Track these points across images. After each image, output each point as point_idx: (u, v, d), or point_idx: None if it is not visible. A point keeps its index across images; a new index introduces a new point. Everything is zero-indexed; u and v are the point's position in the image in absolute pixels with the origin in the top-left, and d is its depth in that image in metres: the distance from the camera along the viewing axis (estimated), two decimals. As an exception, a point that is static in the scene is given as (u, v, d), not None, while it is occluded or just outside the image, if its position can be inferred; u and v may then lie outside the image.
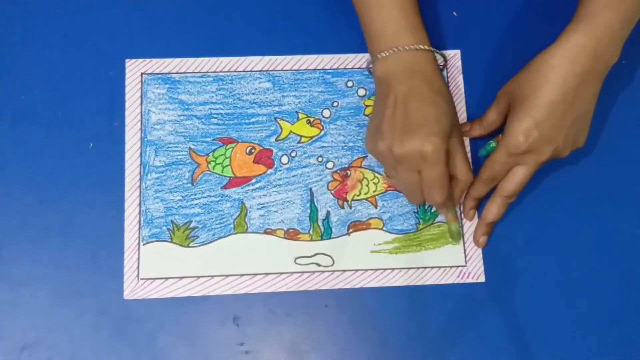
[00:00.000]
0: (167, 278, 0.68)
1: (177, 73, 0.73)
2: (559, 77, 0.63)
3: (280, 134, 0.72)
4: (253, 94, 0.73)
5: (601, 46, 0.63)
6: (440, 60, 0.72)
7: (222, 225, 0.70)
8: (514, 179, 0.66)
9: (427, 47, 0.66)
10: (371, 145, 0.67)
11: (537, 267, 0.70)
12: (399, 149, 0.63)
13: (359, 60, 0.74)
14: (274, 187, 0.71)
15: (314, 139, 0.72)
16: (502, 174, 0.67)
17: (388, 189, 0.72)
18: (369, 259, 0.69)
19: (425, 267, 0.69)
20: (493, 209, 0.68)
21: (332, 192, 0.71)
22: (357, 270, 0.69)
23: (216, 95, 0.73)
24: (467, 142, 0.73)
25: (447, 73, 0.74)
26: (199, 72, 0.73)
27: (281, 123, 0.73)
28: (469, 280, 0.69)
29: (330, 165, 0.72)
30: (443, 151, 0.62)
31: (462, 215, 0.71)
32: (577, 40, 0.63)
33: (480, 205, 0.71)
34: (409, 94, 0.64)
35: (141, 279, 0.68)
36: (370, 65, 0.71)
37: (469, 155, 0.72)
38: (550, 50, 0.64)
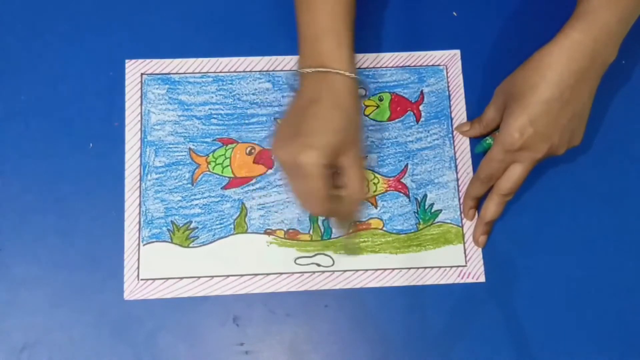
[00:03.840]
0: (167, 278, 0.68)
1: (177, 73, 0.73)
2: (556, 74, 0.63)
3: (280, 134, 0.72)
4: (253, 94, 0.73)
5: (598, 44, 0.63)
6: (361, 92, 0.71)
7: (222, 225, 0.70)
8: (510, 177, 0.66)
9: (352, 75, 0.64)
10: (268, 145, 0.66)
11: (537, 267, 0.70)
12: (281, 154, 0.62)
13: (358, 60, 0.74)
14: (274, 187, 0.71)
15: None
16: (499, 172, 0.67)
17: (388, 189, 0.72)
18: (369, 259, 0.69)
19: (425, 267, 0.69)
20: (491, 208, 0.68)
21: (332, 192, 0.71)
22: (357, 270, 0.69)
23: (216, 96, 0.73)
24: (466, 141, 0.73)
25: (447, 73, 0.74)
26: (198, 73, 0.73)
27: (281, 123, 0.73)
28: (469, 280, 0.69)
29: (330, 165, 0.72)
30: (319, 166, 0.60)
31: (462, 215, 0.71)
32: (575, 38, 0.63)
33: (479, 204, 0.71)
34: (311, 102, 0.63)
35: (141, 279, 0.68)
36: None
37: (468, 154, 0.72)
38: (547, 48, 0.64)
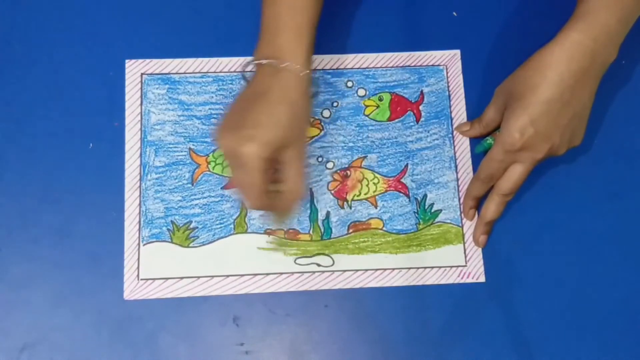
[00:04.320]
0: (167, 278, 0.68)
1: (177, 73, 0.73)
2: (556, 74, 0.63)
3: (280, 134, 0.72)
4: (253, 94, 0.73)
5: (598, 45, 0.63)
6: (312, 90, 0.69)
7: (222, 225, 0.70)
8: (510, 177, 0.66)
9: (304, 72, 0.63)
10: (212, 133, 0.66)
11: (537, 267, 0.70)
12: (222, 143, 0.61)
13: (358, 60, 0.74)
14: (274, 187, 0.71)
15: (313, 139, 0.72)
16: (500, 172, 0.67)
17: (388, 189, 0.72)
18: (369, 259, 0.69)
19: (425, 267, 0.69)
20: (491, 208, 0.68)
21: (332, 192, 0.71)
22: (357, 270, 0.69)
23: (216, 96, 0.73)
24: (466, 141, 0.73)
25: (447, 73, 0.74)
26: (198, 73, 0.73)
27: (281, 123, 0.73)
28: (469, 280, 0.69)
29: (330, 165, 0.72)
30: (258, 159, 0.60)
31: (462, 215, 0.71)
32: (575, 38, 0.63)
33: (479, 204, 0.71)
34: (259, 94, 0.63)
35: (141, 279, 0.68)
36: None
37: (468, 154, 0.72)
38: (548, 48, 0.64)
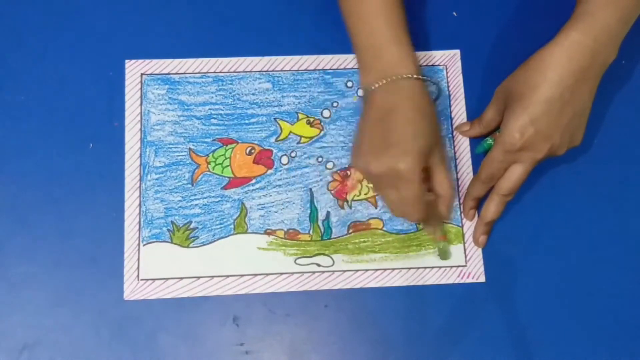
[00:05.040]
0: (167, 279, 0.68)
1: (176, 74, 0.73)
2: (556, 74, 0.63)
3: (280, 134, 0.72)
4: (253, 94, 0.73)
5: (598, 44, 0.63)
6: (433, 88, 0.73)
7: (222, 225, 0.70)
8: (511, 177, 0.66)
9: (419, 77, 0.66)
10: (354, 163, 0.67)
11: (537, 267, 0.70)
12: (374, 167, 0.63)
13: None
14: (274, 187, 0.71)
15: (313, 139, 0.72)
16: (500, 172, 0.67)
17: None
18: (369, 259, 0.69)
19: (425, 267, 0.69)
20: (491, 208, 0.68)
21: (332, 192, 0.71)
22: (357, 271, 0.69)
23: (216, 96, 0.73)
24: (466, 141, 0.73)
25: (447, 73, 0.74)
26: (198, 73, 0.73)
27: (281, 123, 0.73)
28: (469, 280, 0.69)
29: (330, 165, 0.72)
30: (417, 170, 0.62)
31: (462, 216, 0.71)
32: (575, 38, 0.63)
33: (479, 204, 0.71)
34: (389, 112, 0.64)
35: (141, 279, 0.68)
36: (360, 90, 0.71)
37: (468, 154, 0.72)
38: (548, 48, 0.64)
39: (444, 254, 0.70)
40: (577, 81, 0.63)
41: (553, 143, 0.64)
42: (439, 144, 0.66)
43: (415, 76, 0.65)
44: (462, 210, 0.71)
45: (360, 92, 0.68)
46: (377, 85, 0.65)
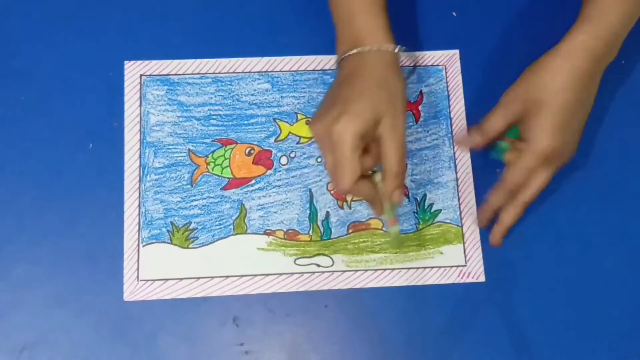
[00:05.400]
0: (166, 279, 0.68)
1: (176, 74, 0.73)
2: (572, 77, 0.63)
3: (280, 134, 0.72)
4: (252, 95, 0.73)
5: (606, 47, 0.64)
6: (407, 64, 0.72)
7: (221, 226, 0.70)
8: (536, 184, 0.65)
9: (388, 49, 0.65)
10: (309, 127, 0.67)
11: (537, 267, 0.70)
12: (315, 128, 0.63)
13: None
14: (274, 188, 0.71)
15: (313, 139, 0.72)
16: (526, 180, 0.65)
17: (388, 189, 0.72)
18: (369, 259, 0.69)
19: (425, 267, 0.69)
20: (513, 215, 0.67)
21: (332, 192, 0.71)
22: (357, 271, 0.69)
23: (215, 97, 0.73)
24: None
25: (446, 73, 0.75)
26: (197, 74, 0.74)
27: (280, 124, 0.73)
28: (469, 280, 0.69)
29: (329, 165, 0.72)
30: (349, 132, 0.59)
31: (461, 215, 0.71)
32: (584, 40, 0.64)
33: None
34: (347, 79, 0.64)
35: (141, 280, 0.68)
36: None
37: (468, 154, 0.72)
38: (560, 51, 0.64)
39: (395, 241, 0.68)
40: (588, 83, 0.64)
41: (574, 147, 0.65)
42: (394, 114, 0.62)
43: (384, 47, 0.64)
44: (478, 218, 0.70)
45: (335, 64, 0.68)
46: (345, 55, 0.65)
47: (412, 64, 0.74)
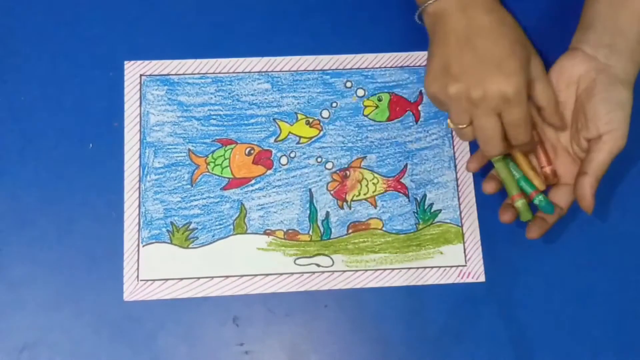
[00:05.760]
0: (166, 279, 0.68)
1: (176, 74, 0.73)
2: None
3: (280, 134, 0.72)
4: (252, 95, 0.73)
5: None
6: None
7: (221, 226, 0.70)
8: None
9: None
10: (438, 89, 0.62)
11: (537, 267, 0.70)
12: (476, 91, 0.59)
13: (357, 60, 0.75)
14: (274, 188, 0.71)
15: (313, 139, 0.72)
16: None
17: (387, 189, 0.72)
18: (369, 259, 0.69)
19: (425, 267, 0.69)
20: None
21: (332, 192, 0.71)
22: (357, 271, 0.69)
23: (215, 97, 0.73)
24: (466, 142, 0.73)
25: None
26: (197, 74, 0.74)
27: (280, 124, 0.73)
28: (469, 280, 0.69)
29: (329, 165, 0.72)
30: (525, 89, 0.59)
31: (461, 215, 0.71)
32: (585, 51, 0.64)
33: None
34: (472, 31, 0.61)
35: (141, 280, 0.68)
36: (420, 13, 0.67)
37: (467, 154, 0.72)
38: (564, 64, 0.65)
39: (524, 213, 0.66)
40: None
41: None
42: (533, 53, 0.63)
43: None
44: (579, 196, 0.64)
45: (419, 16, 0.66)
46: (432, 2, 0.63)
47: None
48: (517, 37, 0.61)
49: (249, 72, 0.74)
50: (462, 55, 0.61)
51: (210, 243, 0.69)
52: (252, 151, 0.72)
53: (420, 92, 0.74)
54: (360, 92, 0.74)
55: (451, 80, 0.60)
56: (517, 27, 0.63)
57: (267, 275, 0.69)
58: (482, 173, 0.70)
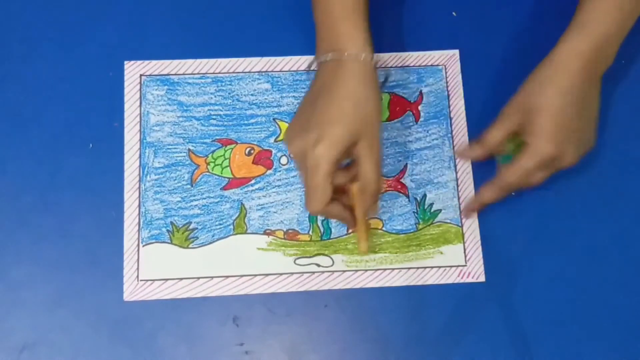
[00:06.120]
0: (166, 279, 0.68)
1: (176, 74, 0.73)
2: (567, 83, 0.63)
3: (280, 134, 0.72)
4: (252, 95, 0.73)
5: (599, 52, 0.64)
6: (381, 73, 0.72)
7: (221, 226, 0.70)
8: (530, 183, 0.66)
9: (367, 60, 0.63)
10: (284, 137, 0.66)
11: (537, 267, 0.69)
12: (291, 147, 0.62)
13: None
14: (273, 187, 0.71)
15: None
16: (521, 181, 0.65)
17: (387, 189, 0.72)
18: (369, 259, 0.69)
19: (425, 267, 0.69)
20: (491, 196, 0.67)
21: (332, 192, 0.71)
22: (357, 270, 0.69)
23: (215, 97, 0.73)
24: (466, 142, 0.72)
25: (446, 73, 0.74)
26: (197, 74, 0.74)
27: (280, 124, 0.73)
28: (469, 280, 0.69)
29: (329, 165, 0.72)
30: (327, 161, 0.59)
31: (462, 214, 0.71)
32: (576, 46, 0.64)
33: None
34: (322, 90, 0.62)
35: (141, 280, 0.68)
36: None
37: (469, 160, 0.72)
38: (552, 60, 0.64)
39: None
40: (584, 88, 0.64)
41: (575, 153, 0.65)
42: (369, 134, 0.62)
43: (362, 56, 0.63)
44: (464, 209, 0.70)
45: (313, 65, 0.67)
46: (323, 60, 0.64)
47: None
48: (351, 115, 0.61)
49: (249, 72, 0.74)
50: (303, 110, 0.64)
51: (210, 243, 0.69)
52: (252, 151, 0.72)
53: (420, 92, 0.74)
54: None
55: (288, 131, 0.64)
56: (364, 102, 0.62)
57: (267, 275, 0.69)
58: (483, 173, 0.70)
